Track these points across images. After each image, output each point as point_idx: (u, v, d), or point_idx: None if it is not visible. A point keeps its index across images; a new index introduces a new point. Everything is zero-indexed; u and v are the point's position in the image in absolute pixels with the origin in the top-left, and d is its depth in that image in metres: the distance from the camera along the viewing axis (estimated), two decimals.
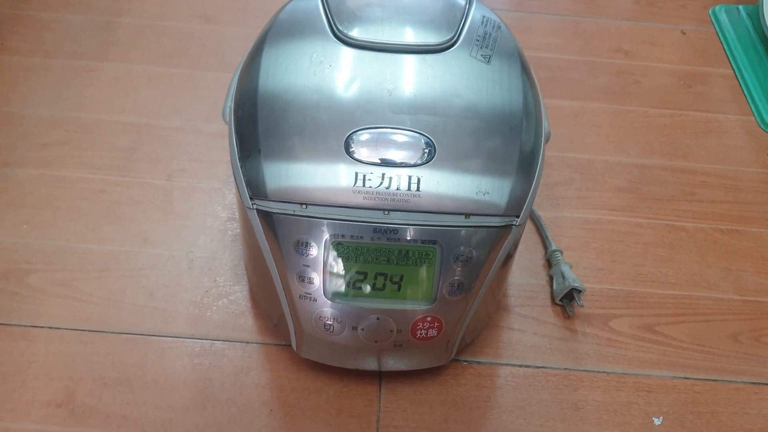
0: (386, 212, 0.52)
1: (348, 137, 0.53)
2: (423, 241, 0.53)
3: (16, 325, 0.65)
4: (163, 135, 0.82)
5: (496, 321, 0.69)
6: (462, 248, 0.54)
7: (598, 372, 0.66)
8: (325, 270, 0.54)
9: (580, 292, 0.69)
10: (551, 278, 0.72)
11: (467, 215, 0.53)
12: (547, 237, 0.75)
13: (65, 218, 0.73)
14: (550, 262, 0.73)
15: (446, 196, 0.53)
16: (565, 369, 0.66)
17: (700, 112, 0.91)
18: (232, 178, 0.57)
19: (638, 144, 0.86)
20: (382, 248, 0.53)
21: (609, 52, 0.99)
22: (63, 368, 0.63)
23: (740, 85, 0.96)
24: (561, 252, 0.73)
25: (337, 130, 0.54)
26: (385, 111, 0.55)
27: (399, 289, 0.55)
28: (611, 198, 0.80)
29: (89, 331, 0.65)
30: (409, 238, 0.53)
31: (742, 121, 0.91)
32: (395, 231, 0.53)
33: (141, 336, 0.65)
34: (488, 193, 0.53)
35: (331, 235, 0.53)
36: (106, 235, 0.72)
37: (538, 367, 0.66)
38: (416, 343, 0.57)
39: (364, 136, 0.53)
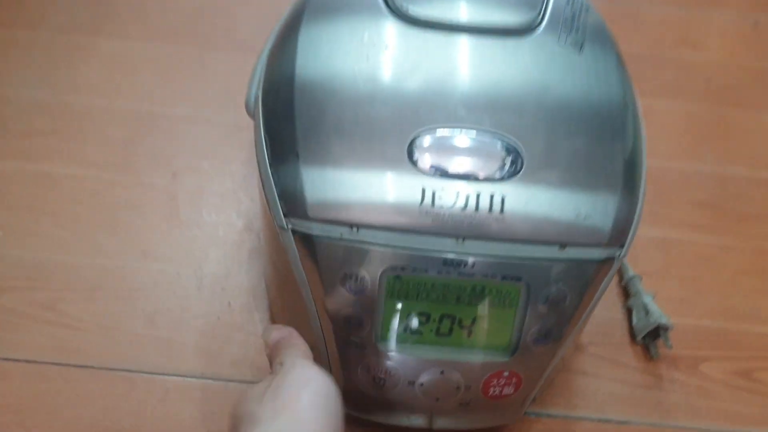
0: (460, 240, 0.41)
1: (412, 141, 0.41)
2: (504, 277, 0.42)
3: None
4: (167, 125, 0.70)
5: (567, 363, 0.57)
6: (553, 287, 0.42)
7: (690, 428, 0.56)
8: (377, 310, 0.43)
9: (667, 329, 0.58)
10: (629, 311, 0.61)
11: (562, 245, 0.41)
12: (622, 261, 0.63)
13: (49, 224, 0.62)
14: (627, 291, 0.62)
15: (537, 220, 0.41)
16: (651, 424, 0.56)
17: None
18: (255, 186, 0.45)
19: (716, 150, 0.74)
20: (451, 285, 0.42)
21: (674, 44, 0.87)
22: (42, 412, 0.52)
23: None
24: (640, 279, 0.61)
25: (397, 131, 0.42)
26: (458, 108, 0.43)
27: (469, 334, 0.44)
28: (690, 214, 0.69)
29: (76, 366, 0.54)
30: (486, 273, 0.41)
31: None
32: (470, 264, 0.41)
33: (139, 374, 0.54)
34: (589, 216, 0.42)
35: (388, 268, 0.41)
36: (98, 247, 0.61)
37: (620, 423, 0.55)
38: (486, 402, 0.46)
39: (432, 139, 0.42)
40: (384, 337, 0.44)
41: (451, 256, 0.41)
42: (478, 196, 0.40)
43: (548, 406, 0.55)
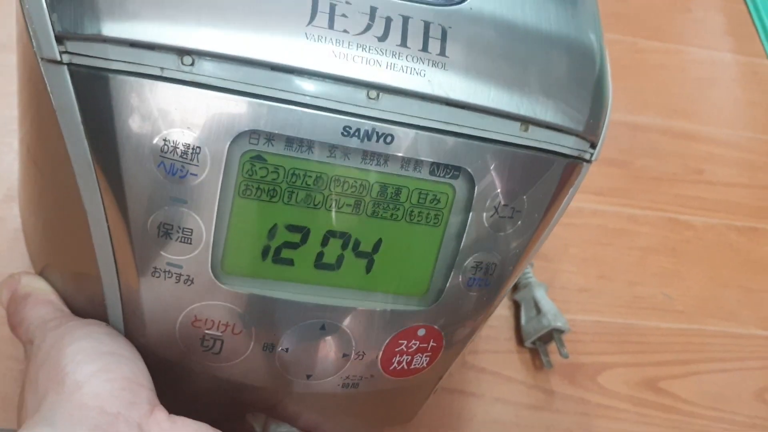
0: (372, 93, 0.24)
1: None
2: (436, 168, 0.25)
3: None
4: None
5: None
6: (506, 189, 0.26)
7: None
8: (219, 215, 0.24)
9: (562, 332, 0.45)
10: (517, 306, 0.47)
11: (525, 123, 0.26)
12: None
13: None
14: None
15: (495, 77, 0.25)
16: None
17: (702, 48, 0.68)
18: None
19: (628, 92, 0.62)
20: (348, 178, 0.25)
21: None
22: None
23: (749, 13, 0.72)
24: (531, 265, 0.48)
25: None
26: None
27: (369, 268, 0.27)
28: (596, 175, 0.56)
29: None
30: (409, 158, 0.25)
31: (754, 65, 0.69)
32: (386, 138, 0.24)
33: None
34: (564, 79, 0.27)
35: (243, 136, 0.23)
36: None
37: None
38: (386, 381, 0.29)
39: None
40: (228, 265, 0.25)
41: (356, 120, 0.24)
42: (405, 21, 0.24)
43: None
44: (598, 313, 0.50)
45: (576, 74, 0.27)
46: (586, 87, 0.28)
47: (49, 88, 0.23)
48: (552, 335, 0.45)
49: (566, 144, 0.27)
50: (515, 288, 0.48)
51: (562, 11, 0.28)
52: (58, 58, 0.23)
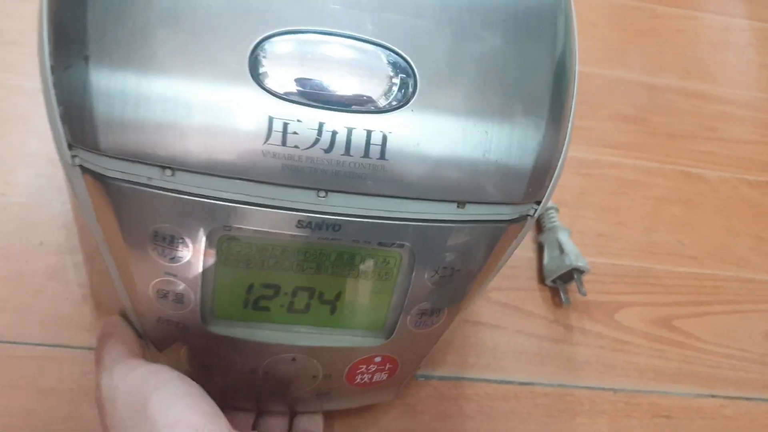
0: (322, 193, 0.29)
1: (256, 47, 0.28)
2: (382, 243, 0.31)
3: None
4: None
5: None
6: (446, 255, 0.31)
7: (604, 389, 0.48)
8: (204, 283, 0.31)
9: (582, 273, 0.49)
10: (540, 247, 0.51)
11: (461, 203, 0.30)
12: None
13: None
14: (540, 224, 0.52)
15: (430, 169, 0.29)
16: (560, 386, 0.47)
17: (717, 14, 0.69)
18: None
19: (646, 55, 0.64)
20: (309, 249, 0.30)
21: None
22: None
23: None
24: (556, 210, 0.52)
25: (235, 32, 0.28)
26: (327, 4, 0.30)
27: (332, 311, 0.33)
28: (613, 131, 0.59)
29: None
30: (358, 238, 0.30)
31: (766, 30, 0.69)
32: (335, 227, 0.29)
33: None
34: (501, 162, 0.30)
35: (218, 228, 0.29)
36: None
37: (522, 384, 0.47)
38: (353, 390, 0.36)
39: (285, 47, 0.29)
40: (213, 318, 0.32)
41: (308, 215, 0.29)
42: (349, 133, 0.28)
43: (438, 366, 0.45)
44: (616, 257, 0.54)
45: (520, 147, 0.30)
46: (531, 156, 0.30)
47: (68, 179, 0.30)
48: (572, 275, 0.49)
49: (505, 212, 0.31)
50: (540, 230, 0.52)
51: (522, 76, 0.31)
52: (71, 163, 0.29)
